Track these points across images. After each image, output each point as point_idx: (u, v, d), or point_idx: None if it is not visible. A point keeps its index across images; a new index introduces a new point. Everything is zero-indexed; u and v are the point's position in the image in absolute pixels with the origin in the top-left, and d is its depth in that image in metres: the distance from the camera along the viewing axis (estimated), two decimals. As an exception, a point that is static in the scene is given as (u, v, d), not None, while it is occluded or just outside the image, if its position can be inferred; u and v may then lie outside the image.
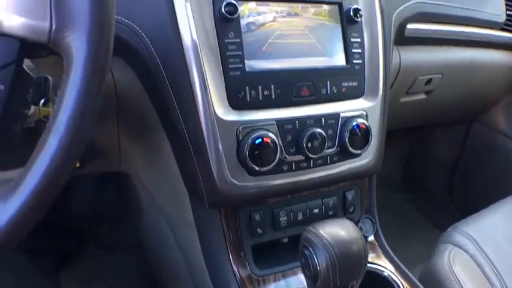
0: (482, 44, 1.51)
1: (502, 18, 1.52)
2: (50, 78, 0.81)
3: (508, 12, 1.57)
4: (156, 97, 0.92)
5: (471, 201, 1.89)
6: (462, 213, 1.80)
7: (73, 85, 0.55)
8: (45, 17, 0.56)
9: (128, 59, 0.94)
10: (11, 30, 0.57)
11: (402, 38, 1.22)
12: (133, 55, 0.90)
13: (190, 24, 0.84)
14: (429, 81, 1.38)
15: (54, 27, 0.56)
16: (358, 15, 1.00)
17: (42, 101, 0.81)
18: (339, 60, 1.00)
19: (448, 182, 1.99)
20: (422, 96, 1.43)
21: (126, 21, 0.88)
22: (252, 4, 0.91)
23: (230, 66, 0.87)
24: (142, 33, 0.87)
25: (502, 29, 1.58)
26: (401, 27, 1.19)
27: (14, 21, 0.57)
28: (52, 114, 0.57)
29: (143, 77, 0.93)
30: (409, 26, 1.22)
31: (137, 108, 0.98)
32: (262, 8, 0.92)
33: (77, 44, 0.56)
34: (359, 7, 1.00)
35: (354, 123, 0.99)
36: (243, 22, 0.89)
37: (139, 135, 1.07)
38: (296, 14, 0.95)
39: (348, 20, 1.00)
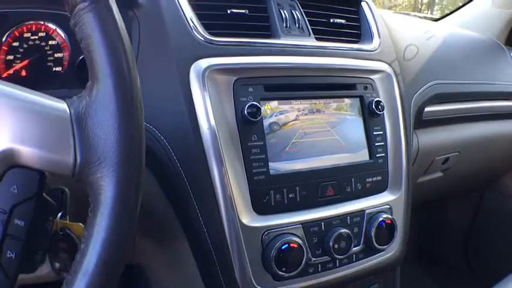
0: (498, 116, 1.50)
1: None
2: (67, 190, 0.77)
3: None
4: (177, 203, 0.89)
5: (489, 270, 1.84)
6: (482, 283, 1.75)
7: (99, 232, 0.51)
8: (68, 151, 0.52)
9: (147, 162, 0.90)
10: (30, 163, 0.53)
11: (420, 122, 1.20)
12: (153, 159, 0.86)
13: (212, 127, 0.81)
14: (446, 160, 1.35)
15: (78, 161, 0.52)
16: (379, 107, 0.98)
17: (60, 214, 0.76)
18: (362, 155, 0.97)
19: (464, 251, 1.94)
20: (439, 174, 1.40)
21: (150, 126, 0.85)
22: (274, 103, 0.89)
23: (254, 170, 0.84)
24: (162, 137, 0.84)
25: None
26: (419, 111, 1.17)
27: (33, 154, 0.52)
28: (79, 255, 0.52)
29: (164, 184, 0.90)
30: (426, 108, 1.20)
31: (155, 212, 0.94)
32: (285, 106, 0.89)
33: (104, 182, 0.52)
34: (380, 99, 0.98)
35: (380, 219, 0.96)
36: (266, 123, 0.87)
37: (157, 235, 1.02)
38: (318, 111, 0.93)
39: (370, 113, 0.98)
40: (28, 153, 0.52)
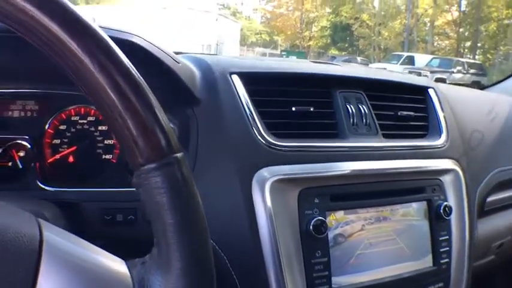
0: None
1: None
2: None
3: None
4: None
5: None
6: None
7: None
8: None
9: None
10: None
11: (481, 212, 1.14)
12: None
13: (274, 242, 0.76)
14: (501, 245, 1.28)
15: None
16: (447, 211, 0.92)
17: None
18: (426, 262, 0.92)
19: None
20: (492, 257, 1.33)
21: None
22: (340, 213, 0.83)
23: None
24: (222, 253, 0.79)
25: None
26: (482, 202, 1.11)
27: None
28: None
29: None
30: (489, 198, 1.14)
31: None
32: (351, 216, 0.84)
33: None
34: (448, 203, 0.92)
35: None
36: (331, 235, 0.81)
37: None
38: (385, 218, 0.87)
39: (437, 217, 0.92)
40: None
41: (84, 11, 0.44)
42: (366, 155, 0.88)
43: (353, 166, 0.85)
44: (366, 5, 31.20)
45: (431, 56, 20.63)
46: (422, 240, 0.92)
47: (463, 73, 17.00)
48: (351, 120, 0.90)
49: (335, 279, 0.81)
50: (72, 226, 0.75)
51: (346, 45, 33.03)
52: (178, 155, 0.46)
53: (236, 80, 0.84)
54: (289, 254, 0.77)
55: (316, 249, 0.79)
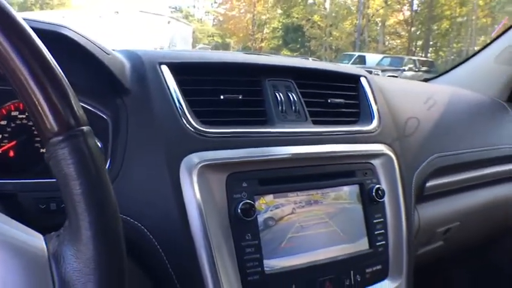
0: (501, 181, 1.45)
1: None
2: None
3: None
4: None
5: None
6: None
7: None
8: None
9: (134, 259, 0.85)
10: None
11: (421, 197, 1.16)
12: (140, 257, 0.82)
13: (203, 226, 0.77)
14: (447, 230, 1.31)
15: None
16: (380, 194, 0.93)
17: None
18: (362, 245, 0.93)
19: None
20: (440, 243, 1.35)
21: (133, 221, 0.80)
22: (269, 197, 0.84)
23: (248, 270, 0.80)
24: (151, 237, 0.79)
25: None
26: (420, 187, 1.13)
27: None
28: None
29: (153, 280, 0.85)
30: (428, 184, 1.16)
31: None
32: (280, 200, 0.85)
33: None
34: (381, 186, 0.94)
35: None
36: (260, 219, 0.82)
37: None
38: (316, 202, 0.89)
39: (370, 200, 0.94)
40: None
41: (38, 17, 0.47)
42: (295, 140, 0.89)
43: (281, 151, 0.87)
44: (317, 6, 31.78)
45: (382, 55, 20.93)
46: (357, 223, 0.93)
47: (415, 71, 17.03)
48: (280, 107, 0.92)
49: (267, 262, 0.81)
50: (12, 216, 0.75)
51: (298, 46, 33.24)
52: (85, 128, 0.48)
53: (165, 70, 0.85)
54: (219, 237, 0.78)
55: (246, 232, 0.80)
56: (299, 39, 33.20)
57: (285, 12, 33.67)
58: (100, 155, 0.50)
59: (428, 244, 1.31)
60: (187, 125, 0.82)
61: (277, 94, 0.92)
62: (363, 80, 1.06)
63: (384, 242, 0.96)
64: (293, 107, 0.93)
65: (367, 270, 0.93)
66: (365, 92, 1.04)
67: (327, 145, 0.92)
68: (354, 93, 1.04)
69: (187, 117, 0.82)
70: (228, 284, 0.78)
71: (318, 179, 0.90)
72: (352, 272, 0.90)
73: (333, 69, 1.07)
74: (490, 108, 1.52)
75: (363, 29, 28.91)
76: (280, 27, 34.84)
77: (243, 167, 0.83)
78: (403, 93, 1.23)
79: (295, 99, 0.94)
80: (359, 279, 0.91)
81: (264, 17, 35.04)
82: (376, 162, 0.98)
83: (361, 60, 19.08)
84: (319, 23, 30.77)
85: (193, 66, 0.90)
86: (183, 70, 0.87)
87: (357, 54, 21.32)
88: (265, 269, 0.81)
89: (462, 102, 1.43)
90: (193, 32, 34.17)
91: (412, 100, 1.24)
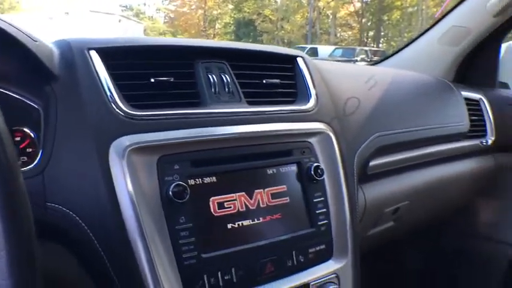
0: (448, 159, 1.47)
1: (465, 127, 1.47)
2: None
3: (471, 117, 1.53)
4: None
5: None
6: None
7: None
8: None
9: (68, 247, 0.82)
10: None
11: (365, 177, 1.16)
12: (73, 244, 0.79)
13: (134, 211, 0.75)
14: (396, 210, 1.31)
15: None
16: (319, 172, 0.92)
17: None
18: (303, 224, 0.92)
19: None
20: (390, 224, 1.36)
21: (64, 209, 0.77)
22: (205, 179, 0.82)
23: (184, 255, 0.77)
24: (82, 224, 0.76)
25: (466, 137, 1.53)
26: (363, 166, 1.13)
27: None
28: None
29: (87, 268, 0.82)
30: (371, 163, 1.16)
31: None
32: (216, 181, 0.83)
33: None
34: (319, 164, 0.93)
35: None
36: (195, 201, 0.80)
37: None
38: (253, 182, 0.87)
39: (309, 179, 0.93)
40: None
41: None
42: (228, 120, 0.87)
43: (214, 131, 0.85)
44: (267, 0, 32.17)
45: (334, 47, 21.17)
46: (297, 202, 0.92)
47: (367, 61, 17.13)
48: (213, 89, 0.90)
49: (204, 246, 0.79)
50: None
51: (250, 40, 32.95)
52: None
53: (94, 56, 0.82)
54: (152, 222, 0.76)
55: (179, 215, 0.78)
56: (251, 34, 33.38)
57: (236, 7, 33.94)
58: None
59: (378, 225, 1.31)
60: (117, 109, 0.79)
61: (210, 76, 0.91)
62: (299, 60, 1.05)
63: (326, 221, 0.95)
64: (226, 88, 0.91)
65: (310, 250, 0.92)
66: (301, 72, 1.03)
67: (261, 124, 0.90)
68: (290, 74, 1.03)
69: (116, 101, 0.80)
70: (164, 270, 0.76)
71: (254, 158, 0.88)
72: (294, 252, 0.89)
73: (269, 50, 1.05)
74: (436, 88, 1.54)
75: (314, 21, 29.37)
76: (232, 22, 35.07)
77: (174, 148, 0.80)
78: (342, 74, 1.23)
79: (229, 80, 0.92)
80: (302, 260, 0.90)
81: (215, 13, 35.26)
82: (313, 140, 0.97)
83: (313, 53, 19.07)
84: (270, 17, 31.18)
85: (123, 51, 0.87)
86: (112, 55, 0.84)
87: (309, 46, 21.41)
88: (201, 252, 0.79)
89: (406, 82, 1.44)
90: (145, 30, 34.08)
91: (352, 81, 1.24)
